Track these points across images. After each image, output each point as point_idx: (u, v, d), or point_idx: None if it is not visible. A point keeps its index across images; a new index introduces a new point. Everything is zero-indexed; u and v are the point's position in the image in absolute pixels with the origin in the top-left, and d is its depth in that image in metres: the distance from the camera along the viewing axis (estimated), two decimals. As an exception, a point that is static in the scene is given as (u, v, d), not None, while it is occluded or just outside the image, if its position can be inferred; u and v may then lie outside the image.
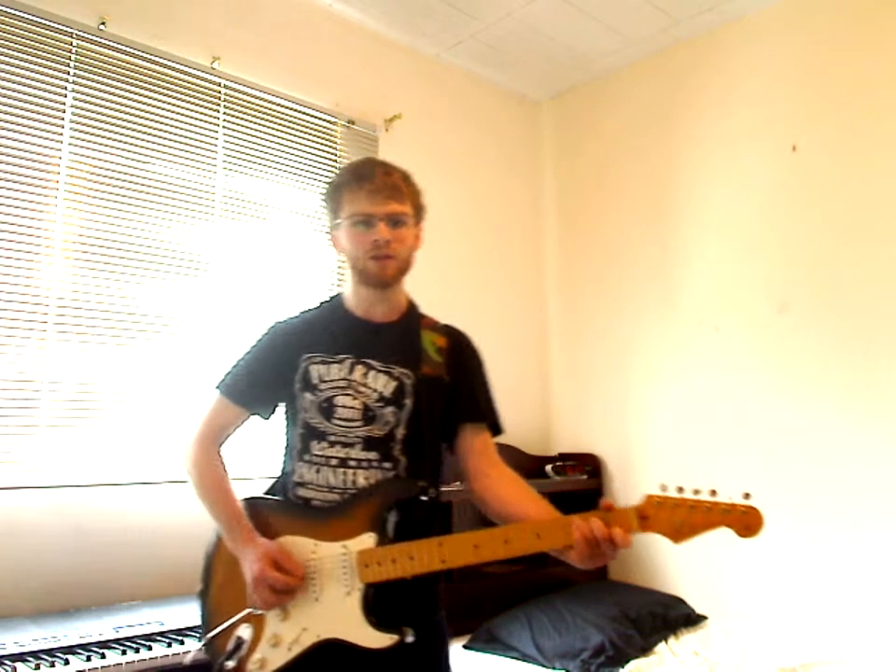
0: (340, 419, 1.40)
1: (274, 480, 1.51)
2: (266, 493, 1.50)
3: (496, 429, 1.52)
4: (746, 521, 1.15)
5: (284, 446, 1.50)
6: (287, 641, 1.32)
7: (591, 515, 1.21)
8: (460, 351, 1.52)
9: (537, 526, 1.26)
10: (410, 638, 1.27)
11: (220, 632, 1.38)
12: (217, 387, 1.51)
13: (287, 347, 1.48)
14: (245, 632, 1.35)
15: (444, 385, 1.46)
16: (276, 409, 1.52)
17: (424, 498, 1.35)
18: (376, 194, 1.42)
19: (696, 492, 1.18)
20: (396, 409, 1.41)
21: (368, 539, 1.31)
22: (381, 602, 1.30)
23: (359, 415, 1.40)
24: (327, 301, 1.58)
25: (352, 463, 1.38)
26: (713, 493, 1.17)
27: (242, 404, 1.49)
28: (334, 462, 1.39)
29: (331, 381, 1.42)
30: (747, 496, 1.15)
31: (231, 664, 1.33)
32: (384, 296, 1.48)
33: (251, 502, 1.45)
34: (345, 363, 1.43)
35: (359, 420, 1.40)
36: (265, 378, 1.48)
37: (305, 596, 1.33)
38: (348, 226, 1.44)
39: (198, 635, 1.48)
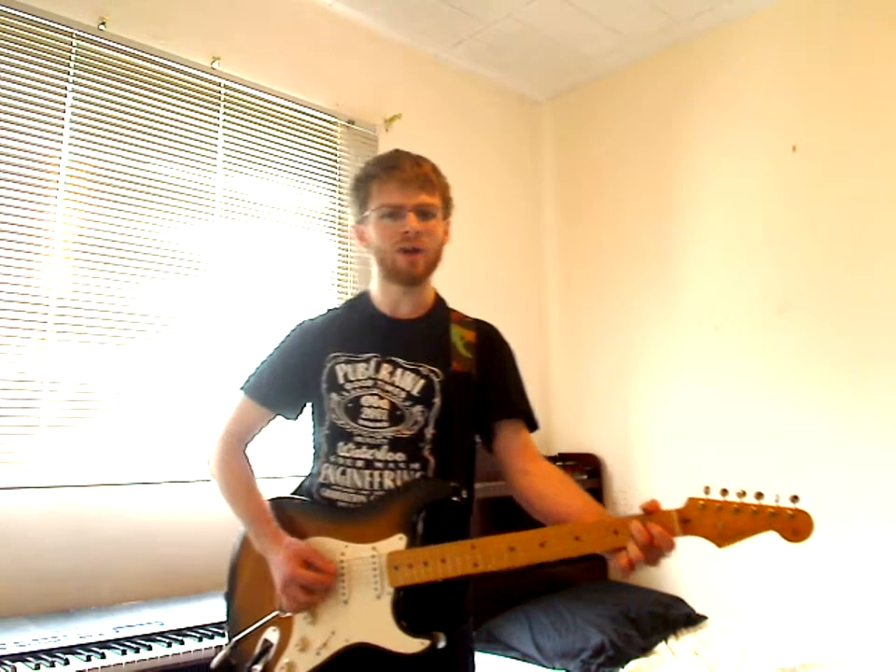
0: (366, 419, 1.37)
1: (301, 480, 1.49)
2: (293, 493, 1.48)
3: (532, 425, 1.47)
4: (793, 525, 1.09)
5: (312, 447, 1.47)
6: (315, 645, 1.29)
7: (632, 519, 1.17)
8: (490, 345, 1.48)
9: (576, 529, 1.20)
10: (442, 644, 1.24)
11: (247, 635, 1.36)
12: (242, 388, 1.49)
13: (312, 347, 1.45)
14: (272, 635, 1.33)
15: (474, 382, 1.42)
16: (303, 410, 1.49)
17: (455, 499, 1.32)
18: (406, 184, 1.38)
19: (741, 494, 1.11)
20: (424, 408, 1.37)
21: (398, 542, 1.28)
22: (411, 606, 1.27)
23: (386, 416, 1.36)
24: (352, 299, 1.55)
25: (378, 464, 1.35)
26: (759, 495, 1.10)
27: (266, 405, 1.47)
28: (360, 464, 1.36)
29: (357, 380, 1.39)
30: (795, 498, 1.09)
31: (258, 667, 1.31)
32: (411, 292, 1.44)
33: (278, 502, 1.42)
34: (371, 362, 1.40)
35: (386, 420, 1.36)
36: (290, 379, 1.46)
37: (334, 599, 1.30)
38: (376, 218, 1.40)
39: (224, 635, 1.45)
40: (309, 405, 1.49)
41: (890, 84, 2.73)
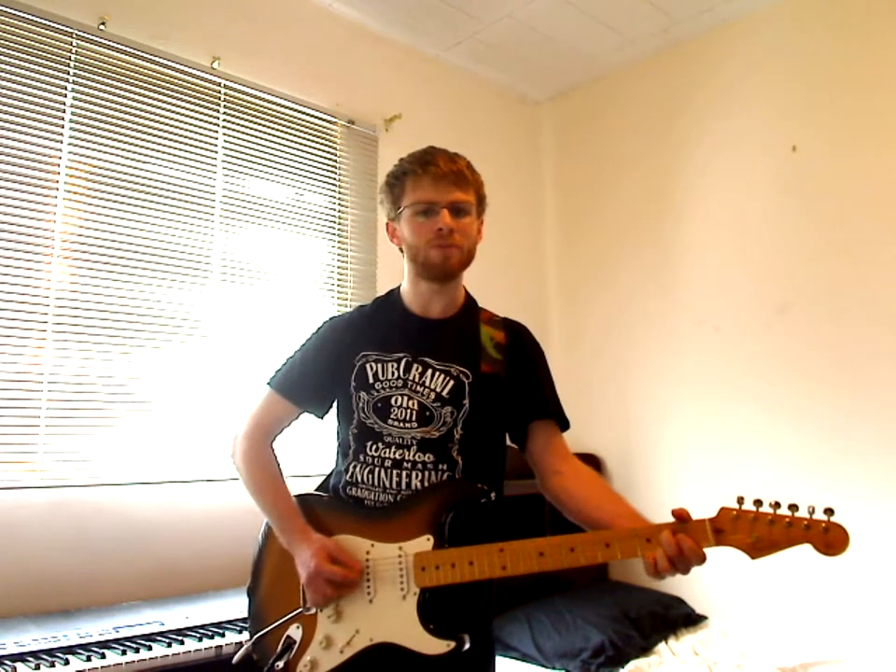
0: (395, 419, 1.37)
1: (325, 477, 1.48)
2: (317, 490, 1.47)
3: (563, 424, 1.47)
4: (828, 539, 1.08)
5: (337, 444, 1.46)
6: (339, 643, 1.29)
7: (663, 528, 1.17)
8: (520, 346, 1.47)
9: (607, 536, 1.21)
10: (467, 646, 1.23)
11: (269, 631, 1.35)
12: (269, 383, 1.48)
13: (341, 345, 1.44)
14: (295, 632, 1.32)
15: (503, 384, 1.41)
16: (330, 408, 1.48)
17: (483, 501, 1.32)
18: (440, 181, 1.36)
19: (775, 505, 1.11)
20: (454, 409, 1.36)
21: (425, 542, 1.28)
22: (437, 607, 1.26)
23: (415, 416, 1.36)
24: (381, 297, 1.53)
25: (406, 465, 1.34)
26: (793, 507, 1.10)
27: (293, 401, 1.45)
28: (388, 463, 1.35)
29: (387, 380, 1.39)
30: (829, 511, 1.08)
31: (280, 664, 1.30)
32: (442, 290, 1.43)
33: (304, 498, 1.42)
34: (401, 362, 1.39)
35: (415, 421, 1.36)
36: (319, 376, 1.45)
37: (359, 598, 1.30)
38: (409, 215, 1.39)
39: (245, 630, 1.46)
40: (335, 403, 1.48)
41: (891, 84, 2.73)
